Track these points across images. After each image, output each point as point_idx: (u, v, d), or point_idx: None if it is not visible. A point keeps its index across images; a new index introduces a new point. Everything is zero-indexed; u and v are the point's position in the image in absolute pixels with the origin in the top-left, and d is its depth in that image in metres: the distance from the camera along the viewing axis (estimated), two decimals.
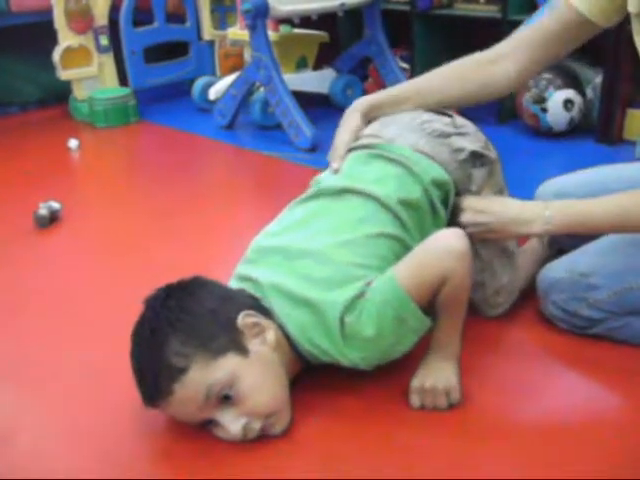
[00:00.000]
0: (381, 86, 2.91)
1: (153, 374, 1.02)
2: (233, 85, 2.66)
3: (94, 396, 1.22)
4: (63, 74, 2.93)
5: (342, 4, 2.62)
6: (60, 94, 3.11)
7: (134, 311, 1.07)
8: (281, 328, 1.12)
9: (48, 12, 2.83)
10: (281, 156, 2.42)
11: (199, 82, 3.05)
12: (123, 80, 3.07)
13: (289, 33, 2.79)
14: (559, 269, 1.32)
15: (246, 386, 1.03)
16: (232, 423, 1.03)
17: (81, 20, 2.91)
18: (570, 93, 2.45)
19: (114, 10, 2.98)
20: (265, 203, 2.11)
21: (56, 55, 2.89)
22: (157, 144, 2.74)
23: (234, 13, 3.11)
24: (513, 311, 1.40)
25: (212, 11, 3.19)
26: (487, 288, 1.35)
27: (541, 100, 2.44)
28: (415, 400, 1.14)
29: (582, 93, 2.50)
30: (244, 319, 1.07)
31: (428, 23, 2.88)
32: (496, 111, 2.66)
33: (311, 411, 1.14)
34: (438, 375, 1.14)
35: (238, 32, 2.83)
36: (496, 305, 1.37)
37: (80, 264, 1.75)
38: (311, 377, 1.18)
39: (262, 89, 2.60)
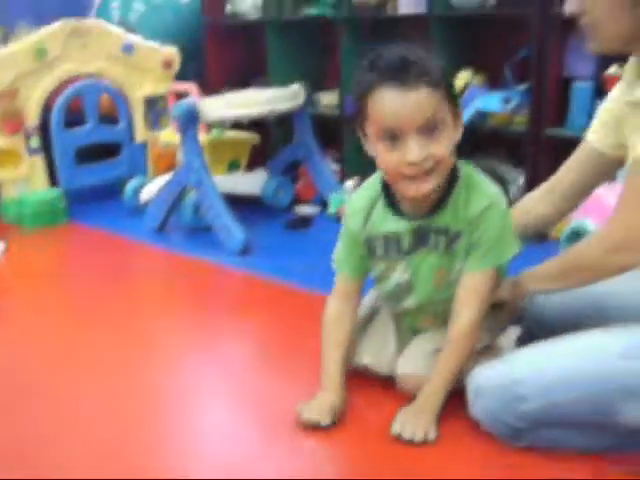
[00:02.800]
0: (312, 188, 2.97)
1: (420, 63, 1.25)
2: (164, 188, 2.67)
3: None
4: None
5: (272, 110, 2.67)
6: None
7: (54, 422, 1.03)
8: None
9: None
10: (212, 260, 2.41)
11: (131, 184, 3.04)
12: (54, 181, 3.05)
13: (221, 136, 2.84)
14: (491, 374, 1.32)
15: (445, 137, 1.28)
16: (419, 150, 1.26)
17: (12, 121, 2.90)
18: None
19: (46, 110, 2.98)
20: (196, 308, 2.09)
21: None
22: (86, 247, 2.70)
23: (167, 115, 3.15)
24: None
25: (146, 113, 3.22)
26: None
27: None
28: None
29: (507, 193, 2.57)
30: None
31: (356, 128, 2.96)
32: None
33: None
34: (417, 427, 1.32)
35: (170, 134, 2.86)
36: None
37: (2, 373, 1.68)
38: None
39: (194, 191, 2.61)
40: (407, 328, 1.57)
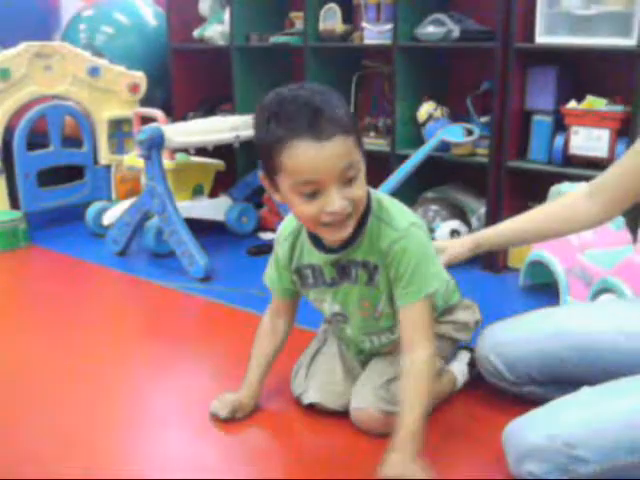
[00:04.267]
0: (276, 214, 2.97)
1: (330, 111, 1.21)
2: (127, 212, 2.65)
3: None
4: None
5: (237, 136, 2.68)
6: None
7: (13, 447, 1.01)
8: None
9: None
10: (174, 286, 2.40)
11: (93, 207, 3.01)
12: (16, 203, 3.01)
13: (185, 161, 2.83)
14: (537, 432, 1.21)
15: (361, 180, 1.27)
16: (340, 200, 1.23)
17: None
18: (456, 224, 2.56)
19: (8, 131, 2.95)
20: (156, 334, 2.07)
21: None
22: (46, 271, 2.66)
23: (132, 139, 3.13)
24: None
25: (110, 136, 3.20)
26: None
27: (429, 231, 2.53)
28: None
29: (468, 223, 2.61)
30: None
31: None
32: None
33: None
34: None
35: (134, 158, 2.84)
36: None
37: None
38: None
39: (156, 216, 2.59)
40: (353, 358, 1.58)
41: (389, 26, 2.63)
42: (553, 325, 1.50)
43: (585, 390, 1.26)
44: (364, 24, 2.74)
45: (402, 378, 1.37)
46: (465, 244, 1.64)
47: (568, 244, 2.10)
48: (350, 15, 2.85)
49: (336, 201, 1.23)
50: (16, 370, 1.81)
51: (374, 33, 2.71)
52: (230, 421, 1.51)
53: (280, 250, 1.48)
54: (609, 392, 1.24)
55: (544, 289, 2.27)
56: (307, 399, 1.53)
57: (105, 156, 3.20)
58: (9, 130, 2.95)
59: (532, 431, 1.22)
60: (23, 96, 2.96)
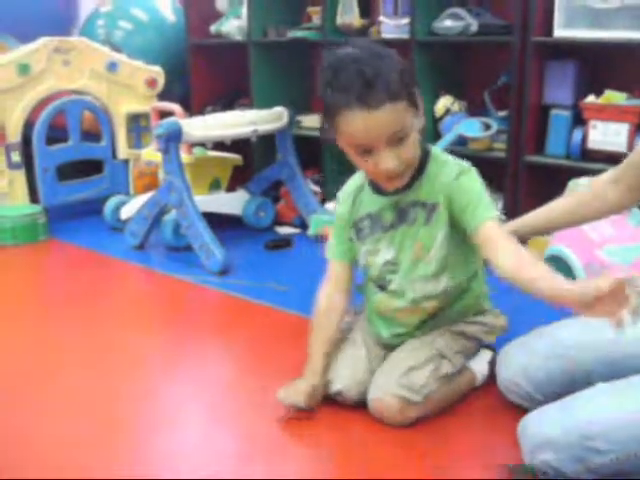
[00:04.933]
0: (293, 209, 2.98)
1: (381, 80, 1.30)
2: (145, 206, 2.66)
3: None
4: None
5: (254, 130, 2.69)
6: None
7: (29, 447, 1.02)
8: None
9: None
10: (191, 279, 2.41)
11: (111, 201, 3.03)
12: (35, 196, 3.04)
13: (203, 155, 2.84)
14: (553, 424, 1.22)
15: (411, 140, 1.37)
16: (391, 160, 1.35)
17: None
18: None
19: (28, 126, 2.98)
20: (174, 327, 2.08)
21: None
22: (65, 264, 2.68)
23: (150, 133, 3.15)
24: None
25: (128, 131, 3.22)
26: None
27: None
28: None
29: None
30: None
31: (337, 149, 2.97)
32: None
33: None
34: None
35: (152, 153, 2.85)
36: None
37: None
38: None
39: (174, 210, 2.61)
40: (377, 344, 1.60)
41: (407, 20, 2.63)
42: (573, 339, 1.45)
43: (600, 385, 1.26)
44: (382, 18, 2.74)
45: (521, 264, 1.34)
46: None
47: (587, 239, 2.09)
48: (368, 9, 2.86)
49: (387, 161, 1.35)
50: (34, 362, 1.83)
51: (392, 27, 2.71)
52: (248, 413, 1.52)
53: (340, 207, 1.59)
54: (625, 386, 1.24)
55: None
56: (333, 388, 1.53)
57: (123, 150, 3.22)
58: (29, 125, 2.98)
59: (548, 424, 1.23)
60: (42, 91, 2.98)
